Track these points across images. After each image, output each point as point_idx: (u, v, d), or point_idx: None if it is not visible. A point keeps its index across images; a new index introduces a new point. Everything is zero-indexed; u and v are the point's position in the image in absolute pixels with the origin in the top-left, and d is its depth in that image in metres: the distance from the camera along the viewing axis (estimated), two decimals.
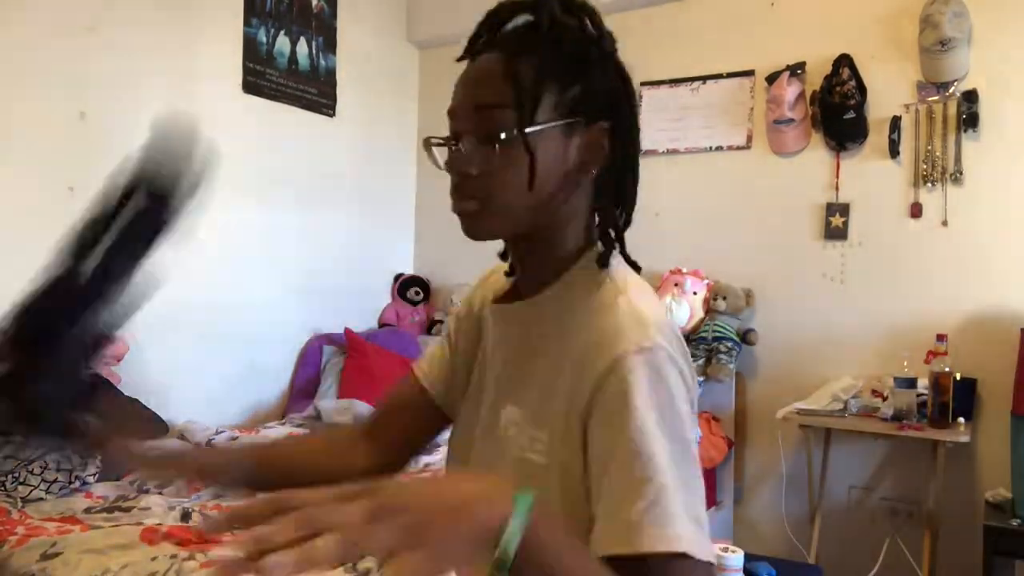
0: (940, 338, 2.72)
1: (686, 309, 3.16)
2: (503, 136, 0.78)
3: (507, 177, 0.79)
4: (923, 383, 2.74)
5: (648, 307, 0.80)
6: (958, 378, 2.69)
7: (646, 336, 0.75)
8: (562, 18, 0.81)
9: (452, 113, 0.84)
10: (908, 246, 3.00)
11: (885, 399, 2.79)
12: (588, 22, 0.83)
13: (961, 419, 2.61)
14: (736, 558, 1.54)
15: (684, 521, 0.68)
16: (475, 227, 0.82)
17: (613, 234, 0.85)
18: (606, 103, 0.82)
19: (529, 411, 0.82)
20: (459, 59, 0.85)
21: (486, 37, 0.84)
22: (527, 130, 0.78)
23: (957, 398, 2.64)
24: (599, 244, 0.85)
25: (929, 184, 2.95)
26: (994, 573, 2.44)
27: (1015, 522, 2.42)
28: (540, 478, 0.78)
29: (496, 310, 0.93)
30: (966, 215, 2.90)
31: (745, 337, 3.15)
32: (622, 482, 0.70)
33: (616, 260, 0.86)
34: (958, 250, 2.91)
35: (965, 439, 2.52)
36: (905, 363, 2.75)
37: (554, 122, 0.80)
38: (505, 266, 0.96)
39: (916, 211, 2.97)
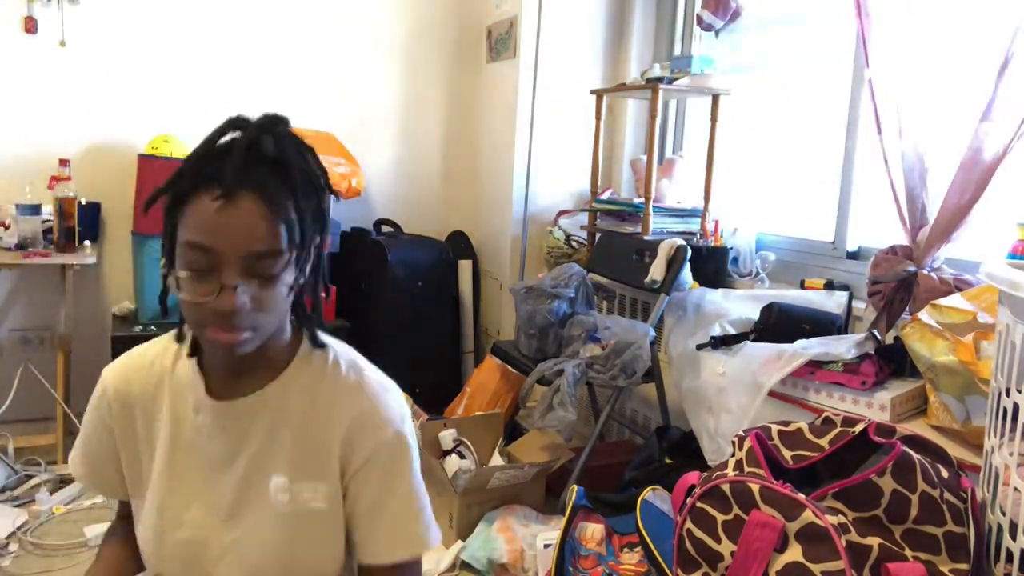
0: (63, 163, 2.72)
1: None
2: (274, 275, 0.90)
3: (275, 306, 0.93)
4: (48, 209, 2.72)
5: (381, 378, 1.06)
6: (83, 203, 2.77)
7: (398, 415, 1.03)
8: (294, 154, 0.92)
9: (216, 254, 0.88)
10: (24, 66, 2.83)
11: (8, 228, 2.66)
12: (309, 156, 0.96)
13: (87, 242, 2.72)
14: None
15: (435, 526, 1.06)
16: (245, 350, 0.93)
17: (310, 309, 1.02)
18: (324, 222, 0.97)
19: (297, 475, 1.01)
20: (219, 198, 0.87)
21: (236, 175, 0.87)
22: (283, 258, 0.90)
23: (82, 222, 2.73)
24: (304, 330, 1.04)
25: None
26: None
27: (138, 328, 2.72)
28: (322, 521, 1.02)
29: (217, 406, 1.01)
30: (85, 35, 2.89)
31: None
32: (405, 511, 1.03)
33: (325, 337, 1.05)
34: (77, 72, 2.90)
35: (92, 260, 2.64)
36: (27, 189, 2.66)
37: (303, 254, 0.94)
38: (158, 352, 1.06)
39: (32, 27, 2.80)
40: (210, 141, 0.91)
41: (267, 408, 1.01)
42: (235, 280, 0.88)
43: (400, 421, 1.03)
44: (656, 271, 2.43)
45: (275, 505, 1.00)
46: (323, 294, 1.04)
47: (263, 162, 0.89)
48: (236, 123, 0.93)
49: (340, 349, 1.07)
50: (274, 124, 0.93)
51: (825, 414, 1.36)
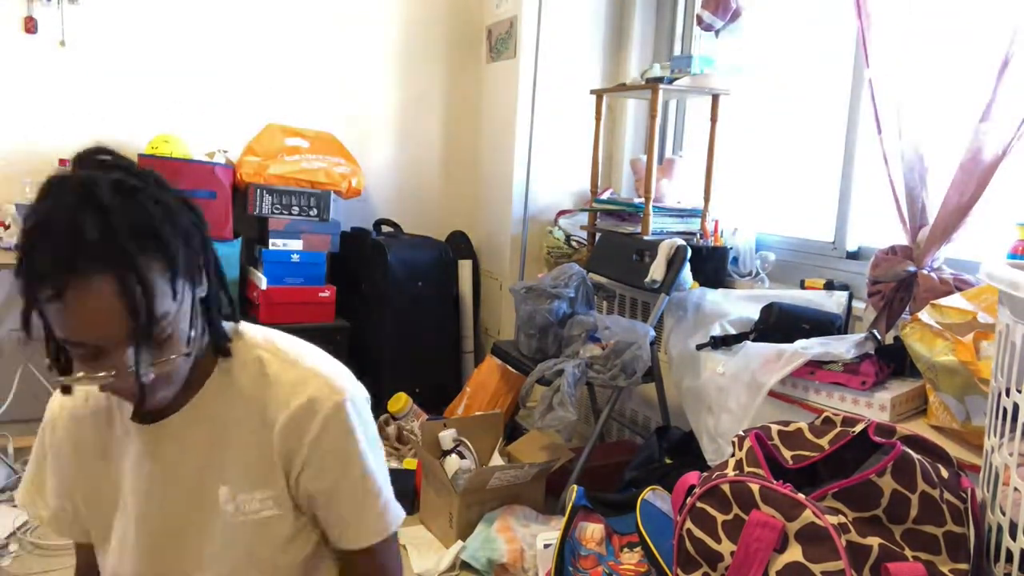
0: (63, 163, 2.72)
1: None
2: (167, 335, 0.83)
3: (180, 351, 0.85)
4: None
5: (311, 361, 0.98)
6: None
7: (332, 388, 0.95)
8: (121, 202, 0.77)
9: (94, 345, 0.79)
10: (24, 66, 2.83)
11: (8, 228, 2.66)
12: (145, 195, 0.80)
13: None
14: None
15: (396, 504, 1.04)
16: (166, 400, 0.89)
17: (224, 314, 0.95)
18: (197, 243, 0.86)
19: (241, 484, 0.96)
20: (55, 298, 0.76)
21: (66, 269, 0.75)
22: (169, 317, 0.82)
23: None
24: (208, 339, 0.94)
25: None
26: None
27: None
28: (277, 526, 0.97)
29: (145, 429, 0.96)
30: (85, 35, 2.89)
31: None
32: (361, 497, 0.99)
33: (239, 337, 0.99)
34: (77, 72, 2.90)
35: None
36: (27, 189, 2.67)
37: (181, 297, 0.83)
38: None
39: (31, 27, 2.80)
40: (32, 220, 0.78)
41: (198, 421, 0.96)
42: (128, 361, 0.80)
43: (332, 406, 0.94)
44: (656, 271, 2.43)
45: (226, 517, 0.96)
46: (227, 302, 0.97)
47: (98, 239, 0.75)
48: (56, 188, 0.79)
49: (263, 341, 1.00)
50: (93, 184, 0.77)
51: (825, 414, 1.36)
